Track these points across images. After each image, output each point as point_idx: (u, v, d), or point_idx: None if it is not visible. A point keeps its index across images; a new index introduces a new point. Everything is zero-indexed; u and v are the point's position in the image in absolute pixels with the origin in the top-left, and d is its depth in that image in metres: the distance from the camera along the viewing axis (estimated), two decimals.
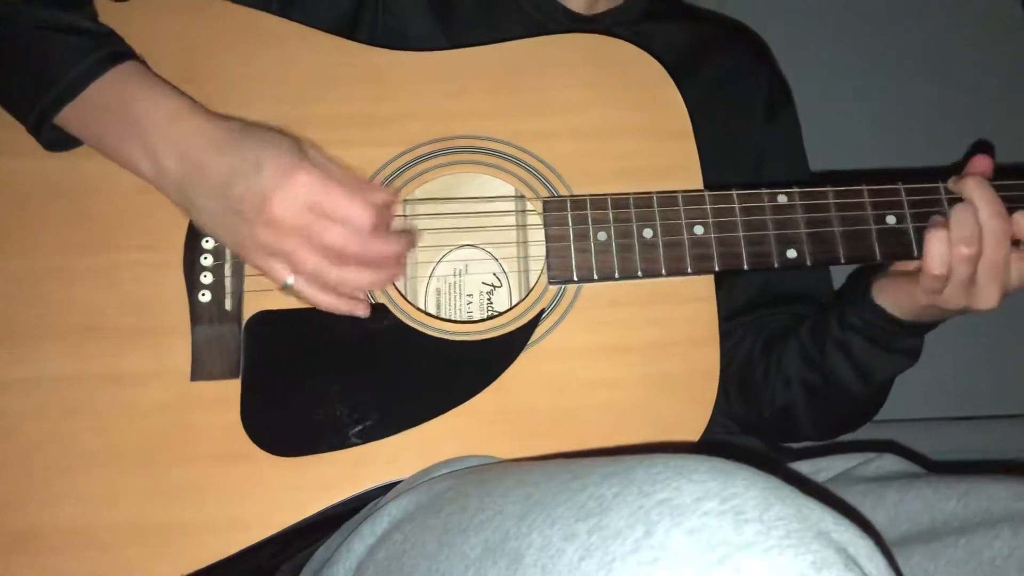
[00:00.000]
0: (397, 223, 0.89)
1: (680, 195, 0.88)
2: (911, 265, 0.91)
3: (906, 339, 0.96)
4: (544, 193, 0.90)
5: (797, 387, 1.04)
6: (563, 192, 0.90)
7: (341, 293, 0.82)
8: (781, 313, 1.11)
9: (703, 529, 0.47)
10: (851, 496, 0.84)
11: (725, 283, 1.08)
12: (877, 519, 0.80)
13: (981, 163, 0.89)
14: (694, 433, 0.83)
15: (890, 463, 0.89)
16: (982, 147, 0.96)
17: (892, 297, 0.93)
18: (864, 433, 1.09)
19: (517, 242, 0.96)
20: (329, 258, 0.79)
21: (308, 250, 0.79)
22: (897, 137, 1.61)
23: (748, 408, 1.09)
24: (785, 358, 1.05)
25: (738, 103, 1.11)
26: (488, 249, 0.98)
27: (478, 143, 0.91)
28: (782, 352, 1.05)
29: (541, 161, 0.91)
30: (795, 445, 1.15)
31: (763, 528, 0.47)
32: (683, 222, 0.88)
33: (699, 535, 0.47)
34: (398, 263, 0.84)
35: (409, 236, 0.86)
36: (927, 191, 0.89)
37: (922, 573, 0.74)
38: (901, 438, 1.31)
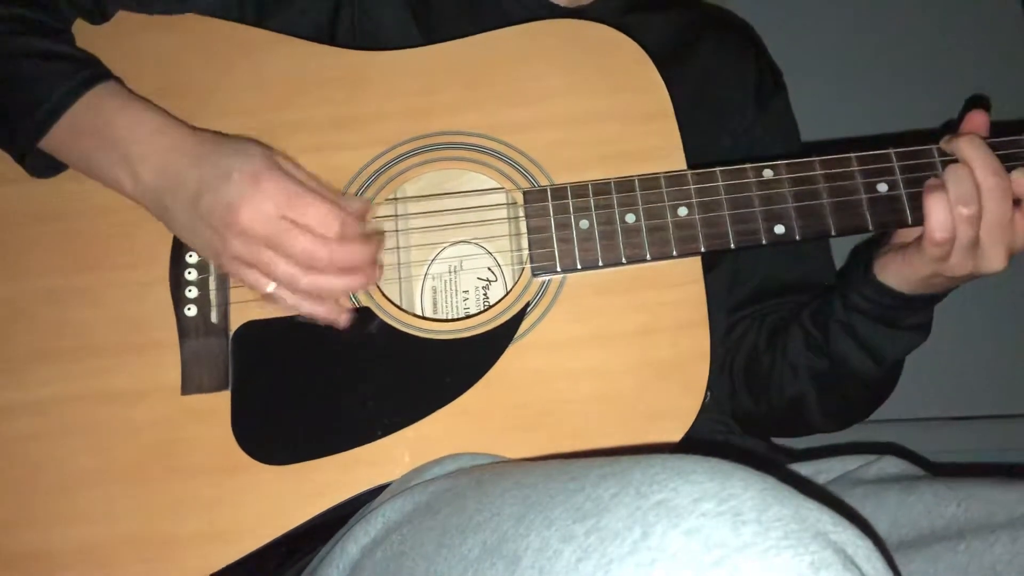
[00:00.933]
0: (367, 225, 0.88)
1: (663, 176, 0.87)
2: (911, 235, 0.88)
3: (914, 315, 0.93)
4: (525, 185, 0.89)
5: (805, 376, 1.02)
6: (544, 182, 0.89)
7: (320, 299, 0.82)
8: (785, 303, 1.08)
9: (700, 530, 0.47)
10: (852, 499, 0.82)
11: (727, 275, 1.06)
12: (877, 523, 0.79)
13: (977, 119, 0.86)
14: (686, 419, 0.82)
15: (891, 465, 0.87)
16: (977, 102, 0.92)
17: (896, 271, 0.90)
18: (864, 433, 1.07)
19: (509, 235, 0.95)
20: (300, 266, 0.80)
21: (278, 259, 0.79)
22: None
23: (757, 403, 1.07)
24: (790, 347, 1.02)
25: (726, 93, 1.09)
26: (481, 244, 0.98)
27: (456, 139, 0.90)
28: (787, 341, 1.02)
29: (520, 152, 0.90)
30: (796, 447, 1.12)
31: (761, 529, 0.46)
32: (666, 204, 0.86)
33: (697, 536, 0.47)
34: (371, 268, 0.84)
35: (379, 238, 0.87)
36: (919, 155, 0.86)
37: None
38: (901, 438, 1.29)
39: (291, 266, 0.80)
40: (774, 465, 0.93)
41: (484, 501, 0.61)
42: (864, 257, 0.94)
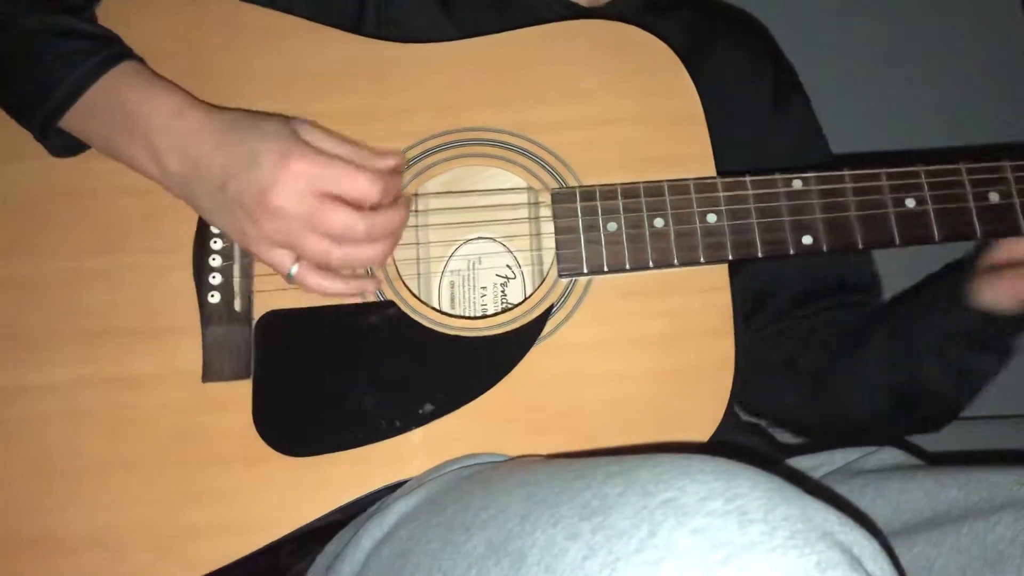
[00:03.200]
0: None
1: (692, 182, 0.87)
2: (1018, 250, 0.87)
3: (1007, 335, 0.92)
4: (553, 184, 0.88)
5: (886, 394, 1.00)
6: (572, 183, 0.88)
7: (347, 275, 0.83)
8: (835, 305, 1.06)
9: (707, 529, 0.47)
10: (853, 488, 0.83)
11: (767, 283, 1.05)
12: (879, 510, 0.79)
13: None
14: (709, 426, 0.82)
15: (890, 456, 0.88)
16: None
17: (994, 292, 0.88)
18: None
19: (530, 234, 0.95)
20: (333, 240, 0.79)
21: (311, 235, 0.79)
22: (896, 142, 1.58)
23: (824, 415, 1.06)
24: (868, 364, 0.99)
25: (741, 94, 1.08)
26: (501, 241, 0.97)
27: (485, 135, 0.90)
28: (864, 357, 1.00)
29: (549, 152, 0.89)
30: (793, 441, 1.12)
31: (767, 528, 0.47)
32: (695, 210, 0.86)
33: (703, 535, 0.47)
34: (399, 233, 0.84)
35: (408, 200, 0.87)
36: (947, 172, 0.87)
37: (925, 561, 0.72)
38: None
39: (324, 241, 0.79)
40: (778, 464, 0.93)
41: (490, 499, 0.61)
42: (951, 279, 0.92)
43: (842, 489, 0.84)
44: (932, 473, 0.80)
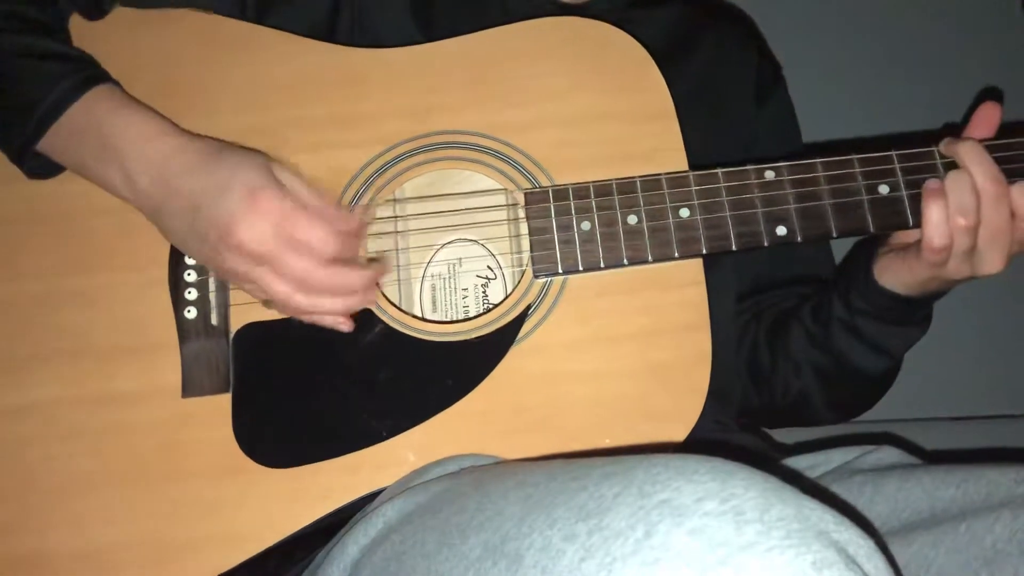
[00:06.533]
0: (368, 251, 0.88)
1: (664, 178, 0.87)
2: (911, 237, 0.88)
3: (916, 311, 0.94)
4: (526, 185, 0.88)
5: (808, 372, 1.02)
6: (545, 183, 0.88)
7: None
8: (783, 295, 1.08)
9: (704, 530, 0.47)
10: (851, 487, 0.83)
11: (733, 267, 1.06)
12: (877, 509, 0.79)
13: (988, 112, 0.87)
14: (689, 421, 0.82)
15: (889, 455, 0.88)
16: (990, 94, 0.92)
17: (894, 274, 0.91)
18: (863, 432, 1.07)
19: (509, 236, 0.95)
20: (295, 285, 0.78)
21: (274, 278, 0.78)
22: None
23: (759, 396, 1.08)
24: (792, 344, 1.02)
25: (728, 87, 1.09)
26: (481, 242, 0.97)
27: (457, 138, 0.90)
28: (788, 338, 1.03)
29: (521, 152, 0.89)
30: (791, 442, 1.12)
31: (763, 528, 0.47)
32: (668, 206, 0.86)
33: (700, 536, 0.47)
34: (369, 291, 0.82)
35: (380, 265, 0.86)
36: (921, 156, 0.87)
37: (923, 560, 0.73)
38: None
39: (286, 285, 0.78)
40: (773, 464, 0.94)
41: (485, 501, 0.61)
42: (864, 257, 0.94)
43: (840, 488, 0.84)
44: (930, 471, 0.80)
